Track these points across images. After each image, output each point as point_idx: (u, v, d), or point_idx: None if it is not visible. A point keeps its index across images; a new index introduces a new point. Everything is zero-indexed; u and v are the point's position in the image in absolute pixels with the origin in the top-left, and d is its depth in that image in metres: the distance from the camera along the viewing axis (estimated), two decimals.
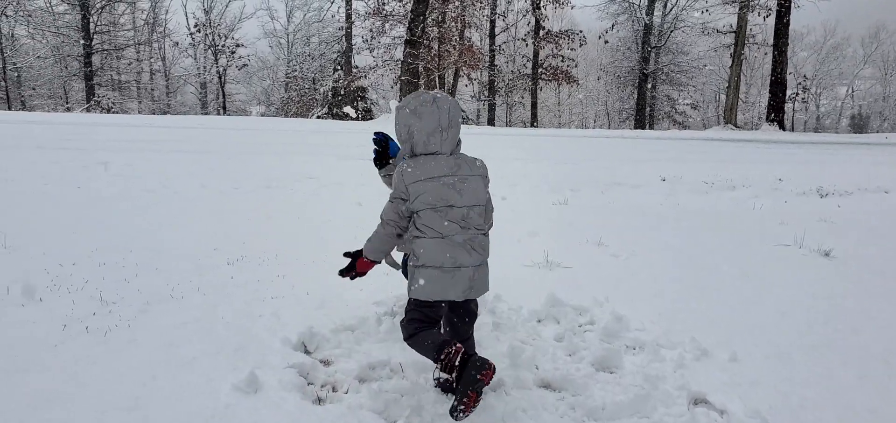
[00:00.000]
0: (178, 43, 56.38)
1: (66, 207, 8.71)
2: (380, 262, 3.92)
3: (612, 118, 62.78)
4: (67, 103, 50.32)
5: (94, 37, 49.05)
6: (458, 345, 3.57)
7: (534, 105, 48.47)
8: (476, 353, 3.81)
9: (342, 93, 42.28)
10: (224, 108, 55.51)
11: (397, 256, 4.33)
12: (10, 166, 11.62)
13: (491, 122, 49.78)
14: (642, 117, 49.89)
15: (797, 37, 56.72)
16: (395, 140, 3.76)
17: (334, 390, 4.07)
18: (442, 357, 3.52)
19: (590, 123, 67.45)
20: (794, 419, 3.73)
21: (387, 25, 39.80)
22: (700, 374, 4.26)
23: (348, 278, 3.93)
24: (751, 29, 40.55)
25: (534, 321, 5.09)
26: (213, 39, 55.02)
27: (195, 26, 54.90)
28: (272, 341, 4.51)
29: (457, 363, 3.48)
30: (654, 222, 9.00)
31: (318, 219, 8.49)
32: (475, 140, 22.48)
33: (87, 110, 43.91)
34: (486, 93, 49.82)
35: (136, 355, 4.11)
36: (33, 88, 50.13)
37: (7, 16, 47.14)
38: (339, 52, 47.99)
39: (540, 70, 45.85)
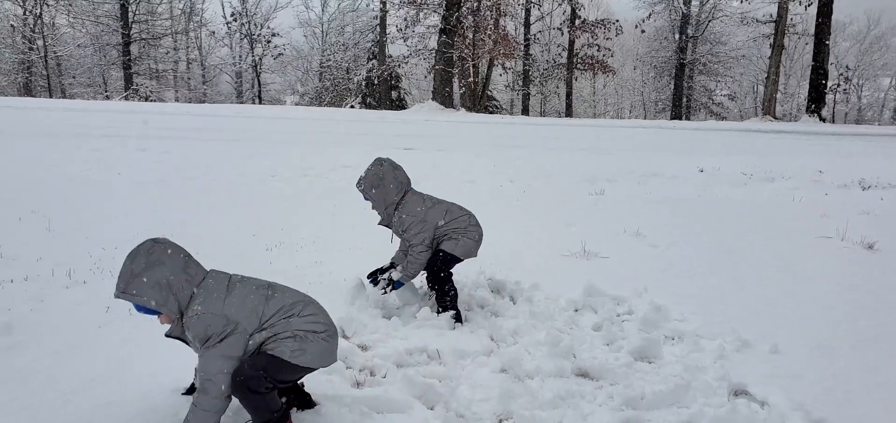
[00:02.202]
0: (214, 32, 56.82)
1: (107, 192, 8.86)
2: None
3: (648, 109, 62.07)
4: (106, 92, 51.05)
5: (133, 26, 49.63)
6: None
7: (569, 95, 48.11)
8: None
9: (376, 82, 42.36)
10: (259, 97, 55.88)
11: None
12: (52, 153, 11.84)
13: (525, 111, 49.53)
14: (679, 108, 49.28)
15: (839, 27, 55.47)
16: (156, 308, 3.01)
17: (372, 374, 4.10)
18: None
19: (625, 113, 66.78)
20: (839, 412, 3.67)
21: (421, 14, 39.70)
22: (741, 365, 4.22)
23: None
24: (791, 18, 39.78)
25: (571, 311, 5.06)
26: (249, 28, 55.40)
27: (231, 15, 55.34)
28: None
29: None
30: (693, 213, 8.89)
31: (353, 207, 8.52)
32: (509, 129, 22.43)
33: (126, 99, 44.52)
34: (520, 82, 49.52)
35: (172, 344, 4.16)
36: (73, 77, 50.92)
37: (49, 5, 47.94)
38: (372, 41, 48.02)
39: (575, 59, 45.43)
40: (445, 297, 4.91)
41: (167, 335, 3.16)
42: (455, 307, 4.90)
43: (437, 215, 4.89)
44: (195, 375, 3.28)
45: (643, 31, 48.11)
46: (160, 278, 2.98)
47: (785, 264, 6.44)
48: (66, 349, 4.06)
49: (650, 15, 47.89)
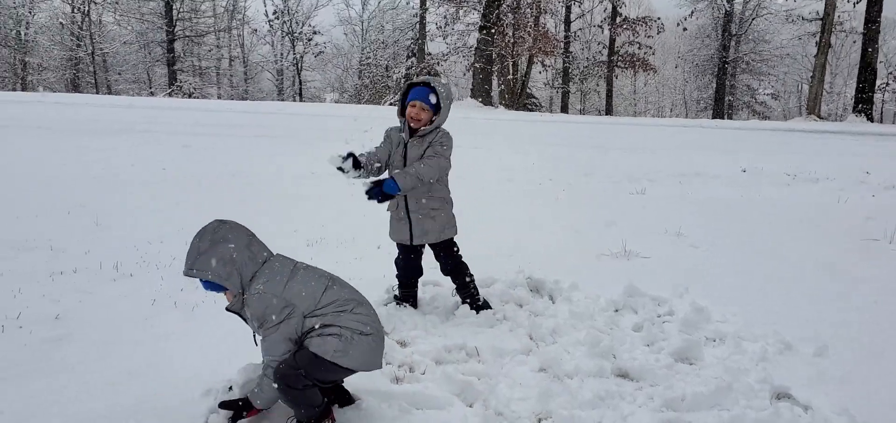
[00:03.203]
0: (256, 30, 57.58)
1: (152, 187, 9.04)
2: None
3: (689, 108, 61.38)
4: (151, 88, 52.05)
5: (177, 24, 50.54)
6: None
7: (609, 93, 47.83)
8: None
9: (414, 79, 42.45)
10: (300, 94, 56.45)
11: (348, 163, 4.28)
12: (99, 148, 12.11)
13: (564, 109, 49.33)
14: (721, 107, 48.64)
15: (889, 24, 54.14)
16: (220, 282, 3.11)
17: (411, 370, 4.12)
18: None
19: (666, 112, 66.09)
20: (886, 418, 3.59)
21: (461, 12, 39.78)
22: (783, 368, 4.15)
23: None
24: (839, 15, 38.96)
25: (611, 311, 5.03)
26: (291, 26, 56.00)
27: (274, 13, 55.99)
28: None
29: None
30: (735, 213, 8.78)
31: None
32: (548, 127, 22.36)
33: (170, 95, 45.30)
34: (559, 80, 49.35)
35: (220, 330, 4.24)
36: (119, 73, 52.03)
37: (96, 2, 49.05)
38: (412, 39, 48.22)
39: (616, 57, 45.13)
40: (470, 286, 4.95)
41: (227, 309, 3.26)
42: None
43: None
44: (236, 387, 3.39)
45: (685, 29, 47.55)
46: (224, 255, 3.09)
47: (829, 266, 6.32)
48: (112, 341, 4.16)
49: (692, 12, 47.39)
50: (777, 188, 10.95)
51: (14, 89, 46.08)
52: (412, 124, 4.61)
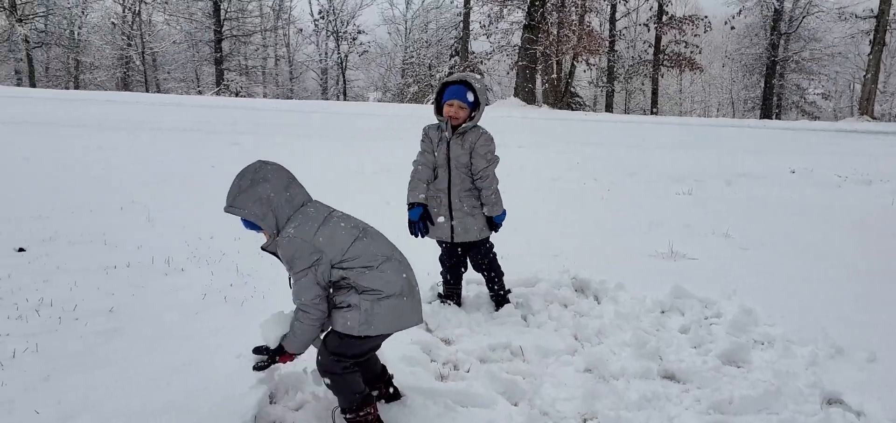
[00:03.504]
0: (301, 30, 58.24)
1: (201, 184, 9.22)
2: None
3: (736, 107, 60.39)
4: (199, 87, 53.00)
5: (225, 23, 51.38)
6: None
7: (654, 92, 47.32)
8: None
9: (448, 78, 42.46)
10: (344, 93, 56.92)
11: None
12: (150, 146, 12.38)
13: (609, 108, 48.93)
14: (769, 107, 47.79)
15: None
16: (256, 222, 3.16)
17: (455, 368, 4.14)
18: (361, 415, 3.31)
19: (712, 111, 65.12)
20: None
21: (505, 10, 39.73)
22: (834, 372, 4.07)
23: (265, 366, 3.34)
24: (894, 13, 37.98)
25: (658, 312, 4.99)
26: (336, 26, 56.50)
27: (319, 13, 56.58)
28: None
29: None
30: (784, 215, 8.62)
31: None
32: (592, 126, 22.21)
33: (217, 94, 46.09)
34: (604, 79, 48.95)
35: None
36: (168, 72, 53.13)
37: (146, 2, 50.11)
38: (455, 37, 48.31)
39: (662, 56, 44.63)
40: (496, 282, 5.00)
41: (263, 248, 3.28)
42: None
43: None
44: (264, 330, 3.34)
45: (733, 28, 46.84)
46: (262, 194, 3.13)
47: (882, 269, 6.18)
48: (163, 335, 4.25)
49: (740, 11, 46.65)
50: (827, 190, 10.73)
51: (67, 87, 47.32)
52: (452, 122, 4.67)
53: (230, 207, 3.17)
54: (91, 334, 4.19)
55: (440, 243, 4.95)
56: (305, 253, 3.10)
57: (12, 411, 3.31)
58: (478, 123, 4.70)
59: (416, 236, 4.80)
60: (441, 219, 4.79)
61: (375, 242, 3.28)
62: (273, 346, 3.26)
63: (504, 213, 4.78)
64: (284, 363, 3.38)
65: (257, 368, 3.31)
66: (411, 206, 4.76)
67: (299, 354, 3.32)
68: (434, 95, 4.85)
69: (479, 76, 4.75)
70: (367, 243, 3.21)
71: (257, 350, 3.30)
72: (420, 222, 4.75)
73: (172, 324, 4.41)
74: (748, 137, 20.47)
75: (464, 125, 4.64)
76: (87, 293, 4.86)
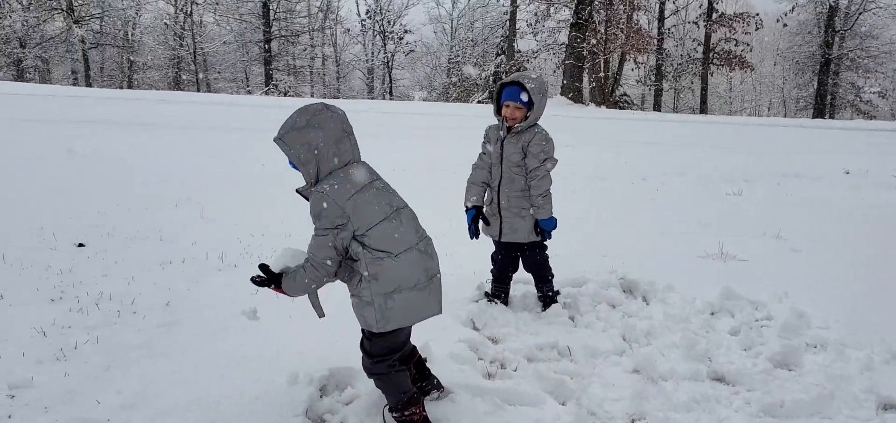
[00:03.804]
0: (349, 30, 58.69)
1: (252, 182, 9.39)
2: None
3: (788, 106, 59.12)
4: (248, 86, 53.83)
5: (274, 24, 52.06)
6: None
7: (703, 90, 46.51)
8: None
9: (503, 77, 42.46)
10: (390, 92, 57.23)
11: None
12: (202, 144, 12.64)
13: (657, 107, 48.28)
14: (822, 106, 46.66)
15: None
16: (297, 165, 3.14)
17: (503, 367, 4.17)
18: (407, 415, 3.33)
19: (763, 110, 63.91)
20: None
21: (552, 9, 39.51)
22: (891, 378, 4.00)
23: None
24: None
25: (707, 314, 4.95)
26: (383, 26, 56.84)
27: (366, 13, 57.02)
28: (443, 316, 4.67)
29: None
30: (837, 216, 8.45)
31: None
32: (640, 125, 22.00)
33: (266, 93, 46.68)
34: (652, 77, 48.34)
35: (323, 322, 4.38)
36: (218, 72, 53.97)
37: (197, 3, 51.03)
38: (501, 36, 48.19)
39: (711, 54, 43.87)
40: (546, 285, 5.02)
41: (297, 191, 3.24)
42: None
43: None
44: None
45: (785, 25, 45.78)
46: (311, 141, 3.06)
47: None
48: (218, 329, 4.37)
49: (793, 8, 45.55)
50: (884, 191, 10.47)
51: (121, 87, 48.50)
52: (508, 124, 4.71)
53: (279, 140, 3.11)
54: (149, 327, 4.33)
55: (494, 240, 4.98)
56: (332, 215, 3.04)
57: (75, 400, 3.44)
58: (536, 123, 4.72)
59: (473, 239, 4.93)
60: (493, 216, 4.85)
61: (404, 226, 3.22)
62: (275, 271, 3.21)
63: (553, 220, 4.75)
64: (277, 293, 3.31)
65: (253, 280, 3.27)
66: (466, 210, 4.89)
67: (291, 297, 3.29)
68: (494, 96, 4.90)
69: (534, 75, 4.75)
70: (395, 226, 3.16)
71: (263, 267, 3.24)
72: (472, 224, 4.86)
73: (226, 318, 4.52)
74: (800, 136, 20.06)
75: (519, 125, 4.67)
76: (145, 288, 5.01)
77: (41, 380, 3.60)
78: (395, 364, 3.28)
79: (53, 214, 6.88)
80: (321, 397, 3.64)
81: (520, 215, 4.77)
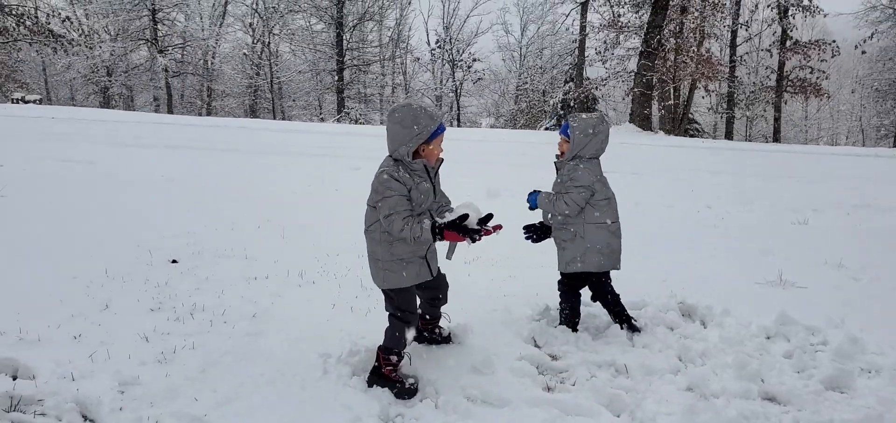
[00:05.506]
0: (419, 58, 59.75)
1: (327, 205, 9.88)
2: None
3: (867, 135, 57.43)
4: (321, 114, 55.25)
5: (346, 53, 53.42)
6: None
7: (777, 119, 45.57)
8: None
9: (572, 104, 42.53)
10: (458, 119, 57.90)
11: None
12: (281, 169, 13.26)
13: (729, 135, 47.46)
14: None
15: None
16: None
17: (562, 381, 4.43)
18: (386, 360, 4.18)
19: (841, 139, 62.19)
20: None
21: (621, 37, 39.47)
22: None
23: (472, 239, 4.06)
24: None
25: (762, 337, 5.10)
26: (452, 54, 57.66)
27: (437, 42, 57.98)
28: (505, 333, 5.01)
29: None
30: None
31: None
32: (710, 154, 21.82)
33: (338, 121, 47.83)
34: (724, 105, 47.60)
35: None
36: (293, 100, 55.62)
37: (274, 34, 52.80)
38: (570, 64, 48.28)
39: (785, 82, 43.01)
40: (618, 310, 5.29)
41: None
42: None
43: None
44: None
45: (864, 52, 44.56)
46: (400, 120, 3.99)
47: None
48: (300, 338, 4.77)
49: (873, 34, 44.24)
50: None
51: (200, 114, 50.41)
52: (559, 156, 5.22)
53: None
54: (238, 335, 4.76)
55: None
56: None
57: (176, 397, 3.88)
58: (578, 155, 4.99)
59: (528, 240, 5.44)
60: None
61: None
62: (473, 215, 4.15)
63: (535, 200, 5.21)
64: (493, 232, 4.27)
65: (475, 240, 4.09)
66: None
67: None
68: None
69: (584, 114, 5.08)
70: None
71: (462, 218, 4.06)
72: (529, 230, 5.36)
73: (307, 329, 4.93)
74: (876, 166, 19.61)
75: (561, 160, 5.12)
76: (233, 301, 5.46)
77: (146, 379, 4.05)
78: (408, 321, 4.21)
79: (148, 233, 7.45)
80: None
81: (561, 246, 5.13)
